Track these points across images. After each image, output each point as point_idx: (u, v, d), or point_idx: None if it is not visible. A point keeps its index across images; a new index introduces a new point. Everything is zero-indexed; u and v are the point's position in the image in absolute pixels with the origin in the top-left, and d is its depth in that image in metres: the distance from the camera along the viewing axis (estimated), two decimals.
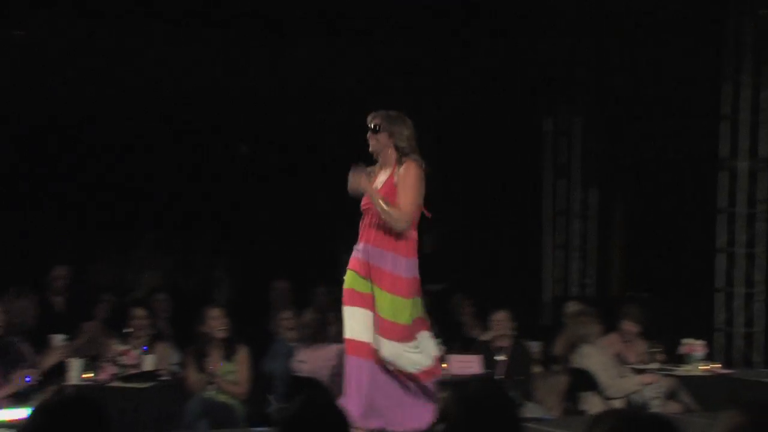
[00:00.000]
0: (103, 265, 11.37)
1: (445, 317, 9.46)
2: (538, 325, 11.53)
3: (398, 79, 11.14)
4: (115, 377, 7.19)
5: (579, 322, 8.14)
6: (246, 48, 10.64)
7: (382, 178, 5.90)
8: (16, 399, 6.70)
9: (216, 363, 7.37)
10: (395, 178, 5.83)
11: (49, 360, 7.27)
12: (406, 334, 5.78)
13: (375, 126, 5.88)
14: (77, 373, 7.11)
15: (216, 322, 7.45)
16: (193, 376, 7.36)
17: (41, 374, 7.13)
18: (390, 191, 5.80)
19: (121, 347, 7.43)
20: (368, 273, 5.78)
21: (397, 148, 5.84)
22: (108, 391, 6.91)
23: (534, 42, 10.97)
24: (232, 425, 7.19)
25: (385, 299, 5.74)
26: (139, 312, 7.93)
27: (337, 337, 7.68)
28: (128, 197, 11.90)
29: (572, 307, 9.14)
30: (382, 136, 5.86)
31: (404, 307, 5.76)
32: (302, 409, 2.93)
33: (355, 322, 5.79)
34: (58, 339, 7.38)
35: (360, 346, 5.77)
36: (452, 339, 8.49)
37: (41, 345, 7.30)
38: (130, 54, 10.40)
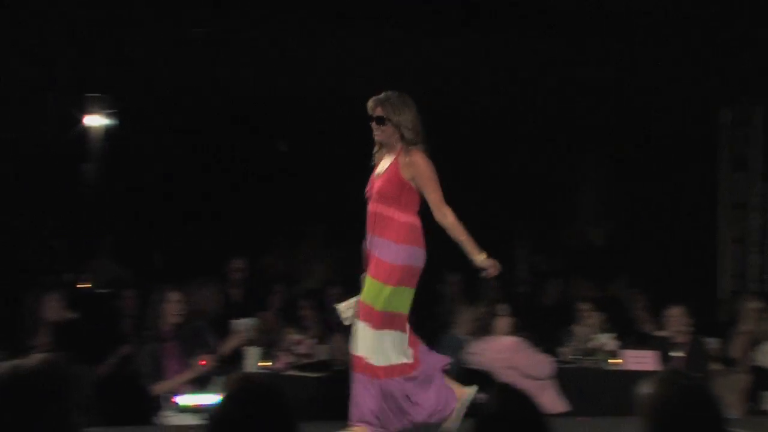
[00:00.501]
0: (276, 256, 11.61)
1: (618, 312, 9.28)
2: (714, 322, 11.18)
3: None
4: (290, 366, 7.34)
5: (759, 318, 7.86)
6: None
7: (384, 164, 5.75)
8: (196, 384, 6.94)
9: None
10: (400, 168, 5.63)
11: (229, 344, 7.50)
12: (377, 322, 5.60)
13: (379, 118, 5.69)
14: (254, 361, 7.31)
15: None
16: None
17: (219, 359, 7.37)
18: (392, 177, 5.64)
19: (296, 336, 7.59)
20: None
21: (403, 138, 5.67)
22: (283, 379, 7.07)
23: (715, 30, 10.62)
24: None
25: (366, 283, 5.64)
26: (310, 303, 8.07)
27: (509, 329, 7.66)
28: (298, 189, 12.14)
29: (752, 303, 8.82)
30: (388, 128, 5.68)
31: (380, 293, 5.57)
32: (502, 406, 2.90)
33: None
34: (240, 323, 7.59)
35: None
36: (626, 334, 8.32)
37: (223, 334, 7.53)
38: (311, 54, 10.57)
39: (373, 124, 5.70)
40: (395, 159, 5.68)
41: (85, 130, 12.60)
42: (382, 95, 5.70)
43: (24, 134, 12.01)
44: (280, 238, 12.14)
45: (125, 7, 10.20)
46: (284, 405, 2.93)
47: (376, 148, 5.85)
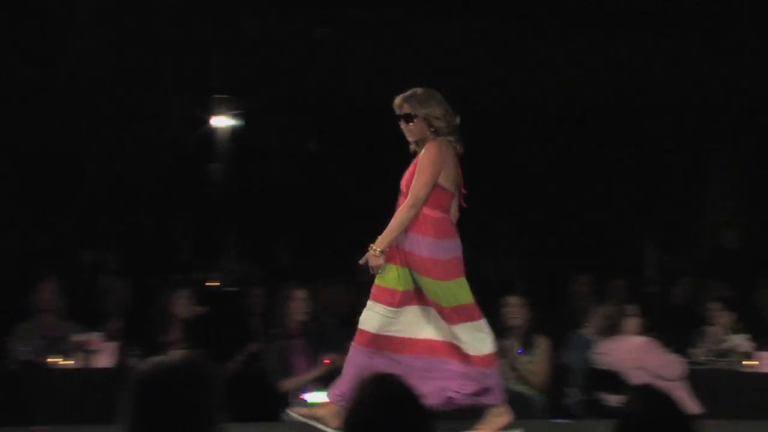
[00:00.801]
0: None
1: (753, 313, 9.02)
2: None
3: None
4: None
5: None
6: None
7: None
8: (324, 381, 6.98)
9: (515, 351, 7.37)
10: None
11: None
12: (386, 297, 5.50)
13: (407, 115, 5.53)
14: None
15: (512, 310, 7.46)
16: None
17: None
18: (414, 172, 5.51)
19: None
20: (405, 262, 5.52)
21: (434, 131, 5.50)
22: None
23: None
24: (530, 416, 7.17)
25: (429, 284, 5.48)
26: None
27: (638, 329, 7.51)
28: None
29: None
30: (417, 124, 5.52)
31: (444, 290, 5.44)
32: (644, 407, 2.84)
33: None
34: None
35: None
36: (761, 335, 8.07)
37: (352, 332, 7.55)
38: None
39: (402, 123, 5.57)
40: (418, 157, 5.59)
41: (212, 131, 12.84)
42: (407, 93, 5.57)
43: (152, 135, 12.31)
44: None
45: (251, 7, 10.36)
46: (419, 405, 2.92)
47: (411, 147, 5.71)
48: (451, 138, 5.52)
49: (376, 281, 5.59)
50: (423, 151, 5.50)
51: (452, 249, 5.50)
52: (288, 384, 6.98)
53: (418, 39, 10.64)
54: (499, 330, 7.46)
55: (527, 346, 7.42)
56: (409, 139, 5.60)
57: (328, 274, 8.26)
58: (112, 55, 11.07)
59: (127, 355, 7.23)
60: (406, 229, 5.45)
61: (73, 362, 7.06)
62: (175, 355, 3.06)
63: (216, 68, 11.38)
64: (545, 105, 12.01)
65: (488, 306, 7.77)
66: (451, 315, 5.49)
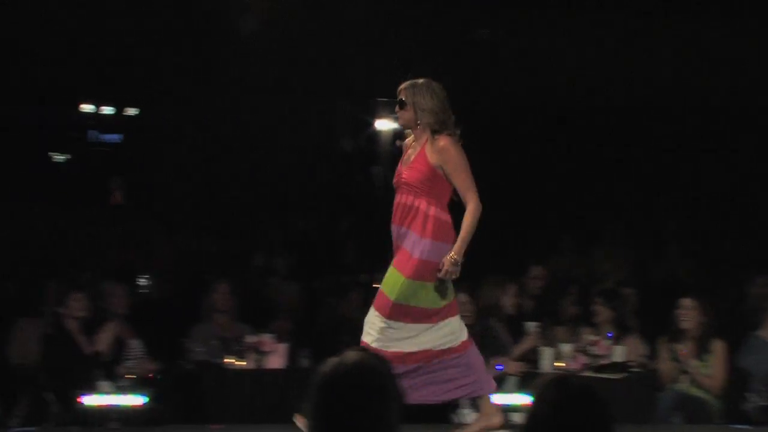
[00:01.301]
0: (569, 256, 11.48)
1: None
2: None
3: None
4: (587, 367, 7.22)
5: None
6: None
7: (412, 153, 5.46)
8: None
9: (689, 355, 7.18)
10: (428, 155, 5.36)
11: (523, 346, 7.48)
12: (387, 309, 5.33)
13: (400, 101, 5.44)
14: (549, 362, 7.24)
15: (685, 313, 7.26)
16: (665, 366, 7.23)
17: (514, 360, 7.36)
18: (421, 167, 5.36)
19: (592, 337, 7.46)
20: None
21: (422, 121, 5.37)
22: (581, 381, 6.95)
23: None
24: (707, 420, 6.97)
25: (388, 272, 5.39)
26: (605, 303, 7.90)
27: None
28: (593, 188, 11.99)
29: None
30: (408, 111, 5.41)
31: (397, 283, 5.30)
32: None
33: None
34: (532, 325, 7.56)
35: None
36: None
37: (517, 335, 7.51)
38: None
39: (397, 109, 5.52)
40: (423, 147, 5.44)
41: (376, 134, 12.96)
42: (410, 81, 5.48)
43: (316, 139, 12.52)
44: (570, 238, 12.01)
45: (407, 9, 10.42)
46: (603, 407, 2.86)
47: (405, 138, 5.63)
48: (450, 132, 5.44)
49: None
50: (445, 149, 5.36)
51: (437, 253, 5.34)
52: None
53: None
54: (672, 333, 7.30)
55: (702, 349, 7.21)
56: (400, 124, 5.61)
57: (489, 274, 8.20)
58: (278, 60, 11.32)
59: (298, 357, 7.38)
60: (404, 224, 5.36)
61: (246, 363, 7.25)
62: (352, 356, 3.07)
63: (379, 72, 11.48)
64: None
65: (659, 309, 7.64)
66: (394, 309, 5.35)
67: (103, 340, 7.43)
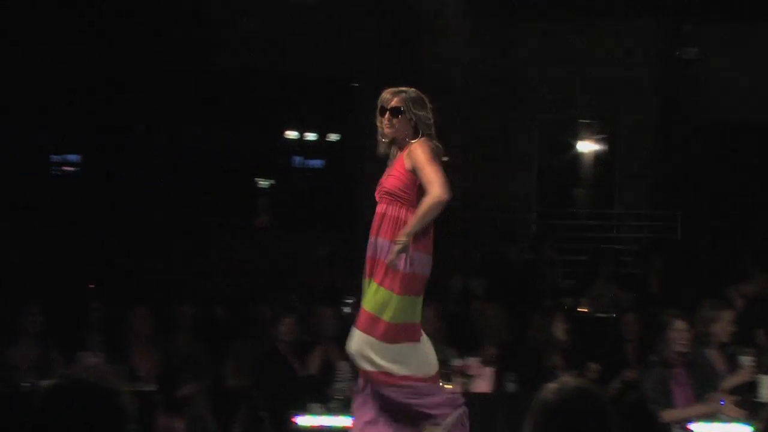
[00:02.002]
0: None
1: None
2: None
3: None
4: None
5: None
6: None
7: (391, 164, 5.31)
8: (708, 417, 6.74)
9: None
10: (405, 162, 5.23)
11: (736, 379, 7.20)
12: (382, 333, 5.12)
13: (396, 108, 5.25)
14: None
15: None
16: None
17: (728, 391, 7.10)
18: (399, 174, 5.24)
19: None
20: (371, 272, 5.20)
21: (417, 133, 5.25)
22: None
23: None
24: None
25: (371, 290, 5.21)
26: None
27: None
28: None
29: None
30: (401, 120, 5.23)
31: (389, 303, 5.10)
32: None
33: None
34: (746, 360, 7.26)
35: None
36: None
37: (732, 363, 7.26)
38: None
39: (387, 116, 5.29)
40: (401, 154, 5.32)
41: (578, 156, 12.84)
42: (399, 89, 5.35)
43: (516, 160, 12.48)
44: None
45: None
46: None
47: (379, 150, 5.44)
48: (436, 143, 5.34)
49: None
50: (413, 150, 5.25)
51: (420, 264, 5.25)
52: (671, 415, 6.80)
53: None
54: None
55: None
56: (387, 134, 5.35)
57: (702, 299, 7.96)
58: (480, 81, 11.41)
59: (504, 381, 7.36)
60: (380, 235, 5.24)
61: (452, 386, 7.27)
62: (571, 382, 3.07)
63: (581, 93, 11.41)
64: None
65: None
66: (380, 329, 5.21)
67: (314, 363, 7.63)
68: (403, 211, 5.25)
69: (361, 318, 5.30)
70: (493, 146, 12.36)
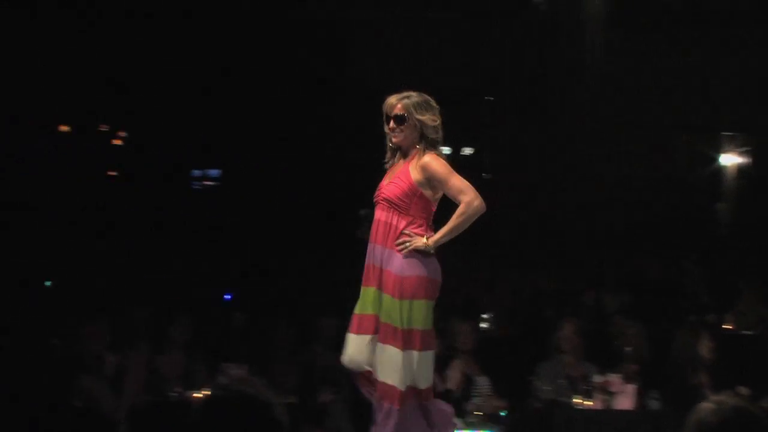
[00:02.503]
0: None
1: None
2: None
3: None
4: None
5: None
6: None
7: (396, 169, 5.22)
8: None
9: None
10: (410, 172, 5.13)
11: None
12: (420, 342, 5.12)
13: (400, 116, 5.16)
14: None
15: None
16: None
17: None
18: (402, 184, 5.14)
19: None
20: (378, 281, 5.14)
21: (425, 140, 5.15)
22: None
23: None
24: None
25: (386, 302, 5.11)
26: None
27: None
28: None
29: None
30: (408, 128, 5.15)
31: (419, 310, 5.10)
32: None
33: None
34: None
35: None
36: None
37: None
38: None
39: (391, 124, 5.20)
40: (407, 163, 5.17)
41: (720, 169, 12.54)
42: (402, 94, 5.21)
43: (656, 173, 12.27)
44: None
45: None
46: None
47: (387, 157, 5.32)
48: (439, 150, 5.24)
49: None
50: (429, 164, 5.13)
51: (422, 268, 5.15)
52: None
53: None
54: None
55: None
56: (396, 142, 5.22)
57: None
58: (615, 92, 11.26)
59: (647, 398, 7.22)
60: (378, 242, 5.16)
61: (593, 403, 7.17)
62: (729, 401, 3.00)
63: (723, 105, 11.15)
64: None
65: None
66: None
67: (452, 377, 7.60)
68: (396, 219, 5.19)
69: (392, 333, 5.16)
70: (630, 158, 12.16)
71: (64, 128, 12.56)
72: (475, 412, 7.19)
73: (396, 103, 5.23)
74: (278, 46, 11.41)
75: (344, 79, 11.92)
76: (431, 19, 11.83)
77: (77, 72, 11.31)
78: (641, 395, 7.23)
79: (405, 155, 5.26)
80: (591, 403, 7.17)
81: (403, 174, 5.18)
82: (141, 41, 11.32)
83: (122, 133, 12.93)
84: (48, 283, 10.82)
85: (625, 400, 7.18)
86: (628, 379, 7.37)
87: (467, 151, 14.17)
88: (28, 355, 7.08)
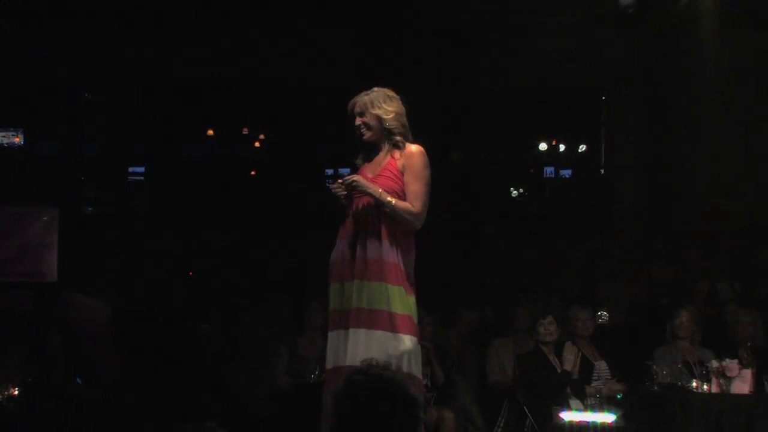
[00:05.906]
0: None
1: None
2: None
3: None
4: None
5: None
6: None
7: (376, 167, 4.98)
8: None
9: None
10: (397, 161, 4.93)
11: None
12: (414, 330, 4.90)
13: (360, 112, 4.96)
14: None
15: None
16: None
17: None
18: (392, 175, 4.91)
19: None
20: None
21: (387, 130, 4.93)
22: None
23: None
24: None
25: (394, 293, 4.82)
26: None
27: None
28: None
29: None
30: (371, 121, 4.95)
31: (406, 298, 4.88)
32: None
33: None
34: None
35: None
36: None
37: None
38: None
39: (358, 121, 4.99)
40: (390, 156, 4.97)
41: None
42: (367, 91, 5.03)
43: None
44: None
45: None
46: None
47: (359, 158, 5.09)
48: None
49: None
50: (413, 155, 4.94)
51: (405, 259, 4.93)
52: None
53: None
54: None
55: None
56: (366, 138, 5.00)
57: None
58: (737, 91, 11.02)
59: (764, 383, 7.04)
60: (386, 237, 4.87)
61: (710, 387, 7.03)
62: None
63: None
64: None
65: None
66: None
67: (571, 361, 7.56)
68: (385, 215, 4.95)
69: (398, 321, 4.86)
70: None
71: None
72: (594, 395, 7.15)
73: (356, 100, 5.07)
74: (402, 55, 11.46)
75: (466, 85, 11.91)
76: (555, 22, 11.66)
77: None
78: (758, 380, 7.05)
79: (379, 150, 5.06)
80: (708, 387, 7.03)
81: (391, 166, 4.99)
82: None
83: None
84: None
85: (742, 384, 7.01)
86: (744, 365, 7.19)
87: (582, 147, 14.06)
88: (181, 340, 7.30)
